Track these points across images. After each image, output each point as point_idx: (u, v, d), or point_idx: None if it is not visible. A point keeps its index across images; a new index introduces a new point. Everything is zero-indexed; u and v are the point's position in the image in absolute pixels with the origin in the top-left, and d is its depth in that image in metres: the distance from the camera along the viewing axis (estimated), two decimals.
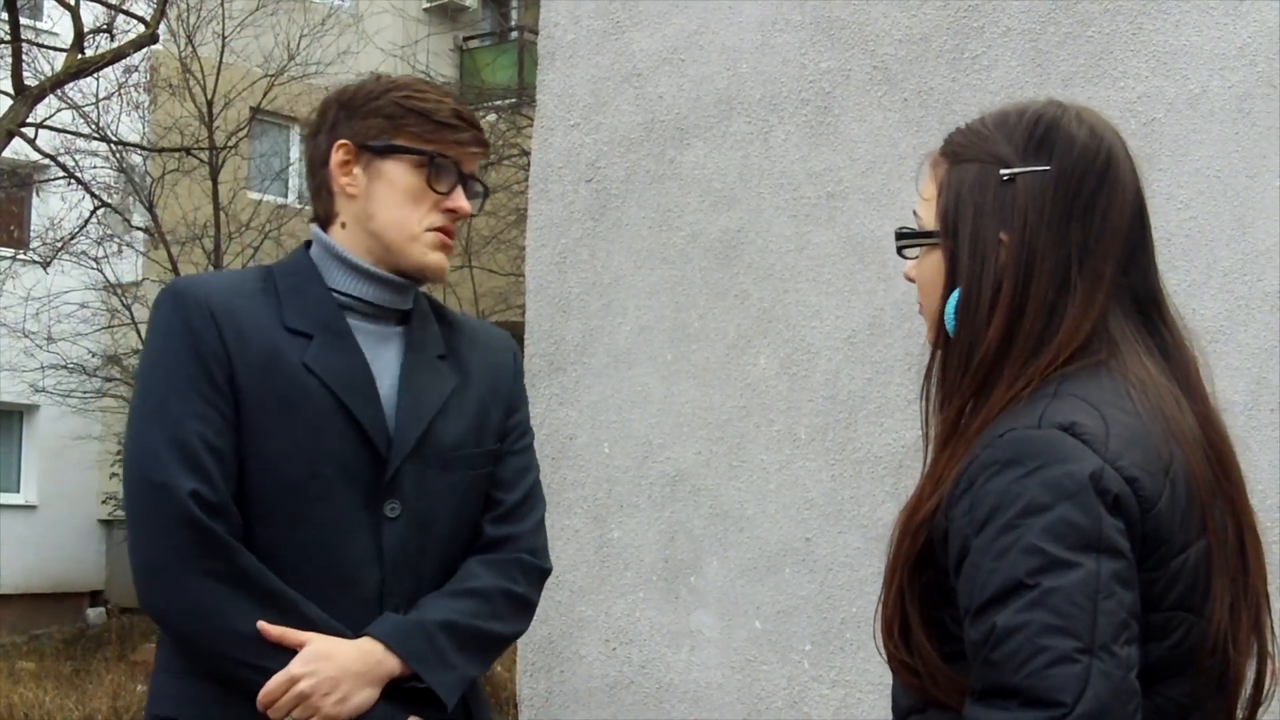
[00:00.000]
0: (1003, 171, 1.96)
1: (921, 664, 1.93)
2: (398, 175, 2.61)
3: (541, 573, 2.75)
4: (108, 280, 17.07)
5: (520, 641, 4.96)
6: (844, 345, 4.39)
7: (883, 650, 2.01)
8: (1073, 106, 2.03)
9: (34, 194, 18.70)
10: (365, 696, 2.46)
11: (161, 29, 14.85)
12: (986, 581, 1.78)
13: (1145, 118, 3.95)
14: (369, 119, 2.61)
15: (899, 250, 2.09)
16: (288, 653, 2.43)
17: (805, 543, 4.41)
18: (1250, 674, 1.99)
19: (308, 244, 2.71)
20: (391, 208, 2.61)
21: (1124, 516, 1.80)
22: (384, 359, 2.61)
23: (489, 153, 2.74)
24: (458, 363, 2.71)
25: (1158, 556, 1.84)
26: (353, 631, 2.50)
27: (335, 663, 2.44)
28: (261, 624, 2.43)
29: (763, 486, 4.51)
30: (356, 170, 2.62)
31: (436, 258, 2.64)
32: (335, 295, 2.61)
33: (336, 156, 2.62)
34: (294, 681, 2.41)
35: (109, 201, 16.63)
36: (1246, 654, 1.97)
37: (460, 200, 2.65)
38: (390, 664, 2.49)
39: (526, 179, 5.67)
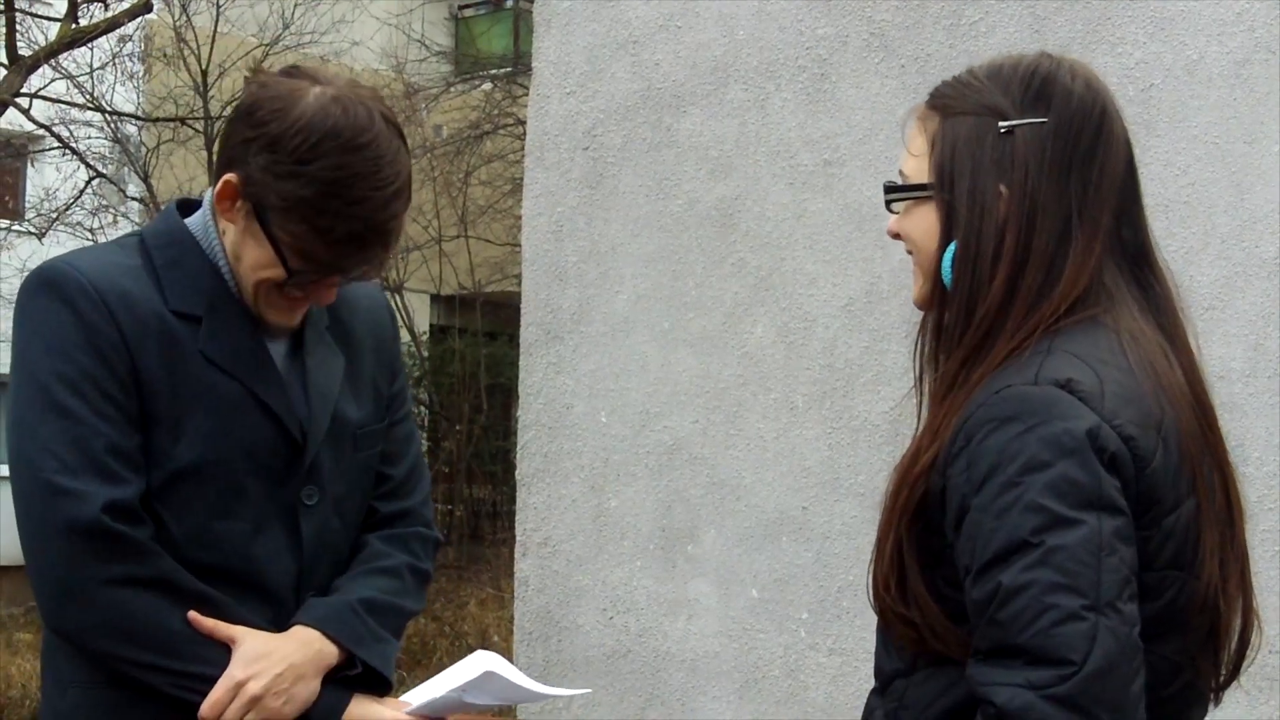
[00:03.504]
0: (1001, 124, 1.96)
1: (920, 615, 1.92)
2: (263, 248, 2.31)
3: (437, 545, 2.66)
4: None
5: (517, 611, 4.97)
6: (841, 313, 4.38)
7: (875, 605, 2.00)
8: (1065, 60, 2.03)
9: (28, 164, 18.66)
10: (310, 689, 2.35)
11: None
12: (989, 540, 1.78)
13: (1143, 83, 3.94)
14: (270, 184, 2.26)
15: (888, 205, 2.08)
16: (220, 654, 2.30)
17: (802, 511, 4.41)
18: (1236, 628, 2.00)
19: (181, 204, 2.46)
20: (248, 265, 2.34)
21: (1120, 474, 1.81)
22: (275, 335, 2.42)
23: (392, 250, 2.37)
24: (342, 332, 2.53)
25: (1152, 515, 1.84)
26: (273, 626, 2.37)
27: (277, 658, 2.32)
28: (192, 614, 2.27)
29: (760, 455, 4.51)
30: (239, 204, 2.32)
31: (279, 318, 2.40)
32: (219, 271, 2.38)
33: (223, 186, 2.31)
34: (240, 685, 2.28)
35: (104, 172, 16.59)
36: (1234, 609, 1.98)
37: (323, 294, 2.38)
38: (329, 651, 2.38)
39: (522, 148, 5.65)
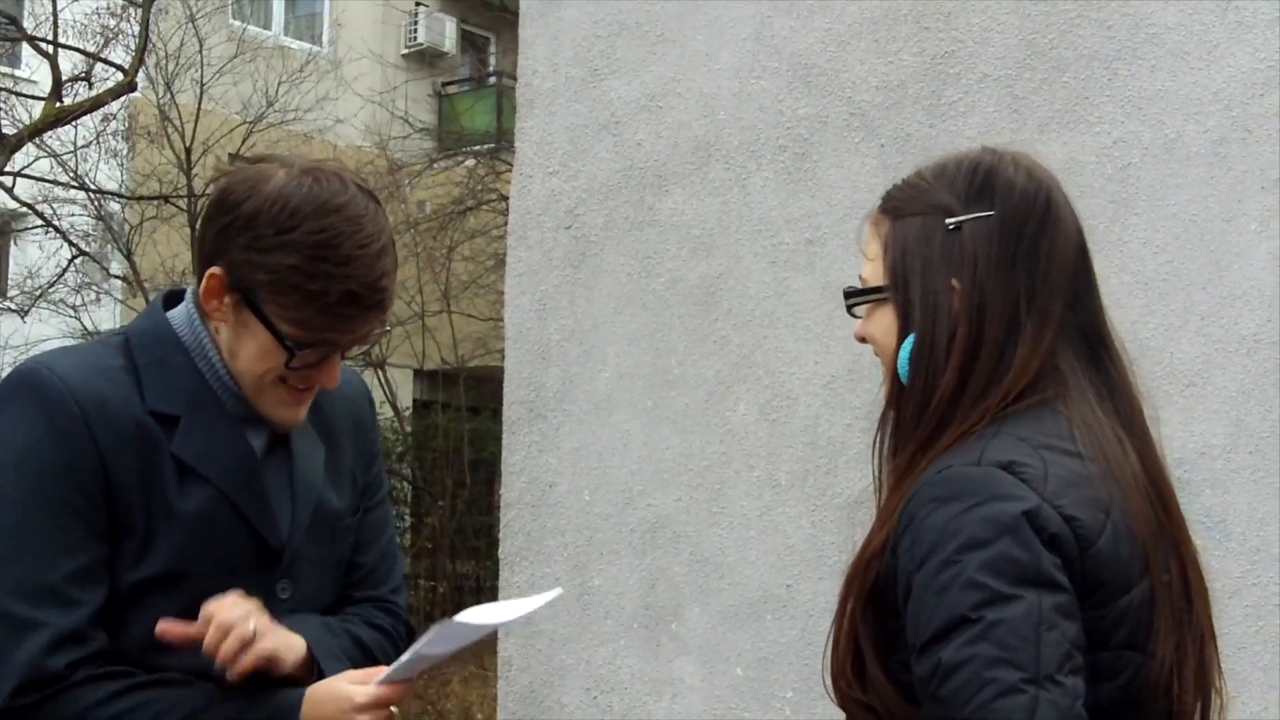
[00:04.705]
0: (949, 221, 2.00)
1: (879, 700, 1.94)
2: (258, 336, 2.29)
3: (409, 629, 2.60)
4: (85, 329, 17.02)
5: (501, 691, 4.94)
6: (823, 390, 4.39)
7: (833, 693, 2.01)
8: (1007, 153, 2.08)
9: (12, 242, 18.66)
10: (291, 640, 2.29)
11: (140, 76, 14.86)
12: (930, 617, 1.81)
13: (1121, 162, 3.97)
14: (254, 261, 2.24)
15: (849, 309, 2.12)
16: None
17: (786, 589, 4.40)
18: (1195, 713, 2.01)
19: (168, 296, 2.44)
20: (247, 360, 2.31)
21: (1062, 553, 1.83)
22: (258, 429, 2.39)
23: (386, 319, 2.38)
24: (322, 420, 2.49)
25: (1101, 595, 1.86)
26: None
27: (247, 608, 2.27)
28: (161, 625, 2.22)
29: (743, 533, 4.50)
30: (226, 300, 2.30)
31: (286, 414, 2.37)
32: (200, 369, 2.35)
33: (207, 283, 2.29)
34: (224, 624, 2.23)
35: (87, 250, 16.59)
36: (1193, 693, 1.99)
37: (327, 375, 2.35)
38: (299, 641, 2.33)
39: (505, 223, 5.68)
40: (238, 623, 2.23)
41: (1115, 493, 1.92)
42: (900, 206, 2.07)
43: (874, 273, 2.08)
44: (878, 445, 2.10)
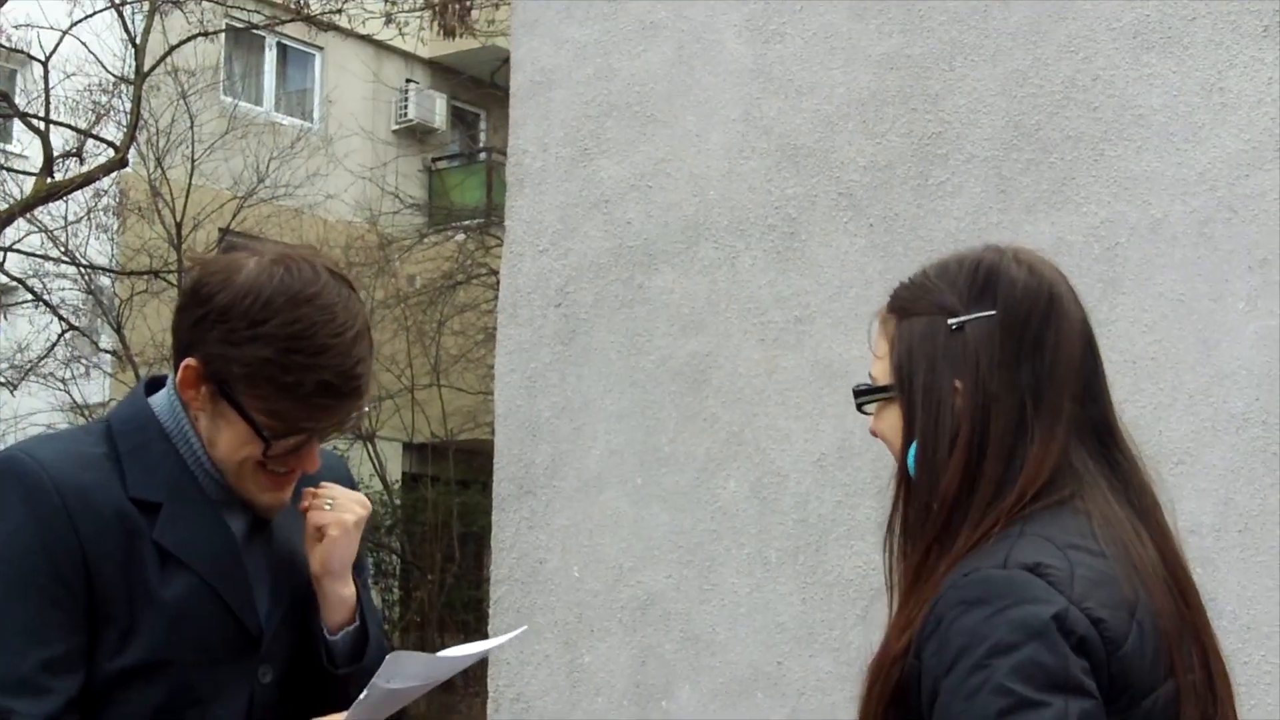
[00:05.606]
0: (950, 321, 2.00)
1: None
2: (235, 426, 2.29)
3: None
4: (75, 402, 17.01)
5: None
6: (813, 468, 4.39)
7: None
8: (1010, 249, 2.07)
9: (2, 317, 18.66)
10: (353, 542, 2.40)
11: (131, 152, 14.91)
12: None
13: (1109, 242, 4.00)
14: (229, 354, 2.24)
15: (859, 408, 2.13)
16: None
17: (777, 667, 4.39)
18: None
19: (150, 383, 2.43)
20: (225, 448, 2.31)
21: (1090, 657, 1.81)
22: (240, 513, 2.38)
23: (364, 404, 2.38)
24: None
25: (1128, 697, 1.84)
26: None
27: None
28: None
29: (734, 610, 4.49)
30: (203, 390, 2.29)
31: (269, 499, 2.37)
32: (182, 455, 2.34)
33: (183, 373, 2.29)
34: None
35: (77, 324, 16.59)
36: None
37: (305, 461, 2.36)
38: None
39: (495, 298, 5.70)
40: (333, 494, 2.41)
41: (1140, 590, 1.91)
42: (906, 306, 2.07)
43: (882, 371, 2.08)
44: (888, 546, 2.09)
